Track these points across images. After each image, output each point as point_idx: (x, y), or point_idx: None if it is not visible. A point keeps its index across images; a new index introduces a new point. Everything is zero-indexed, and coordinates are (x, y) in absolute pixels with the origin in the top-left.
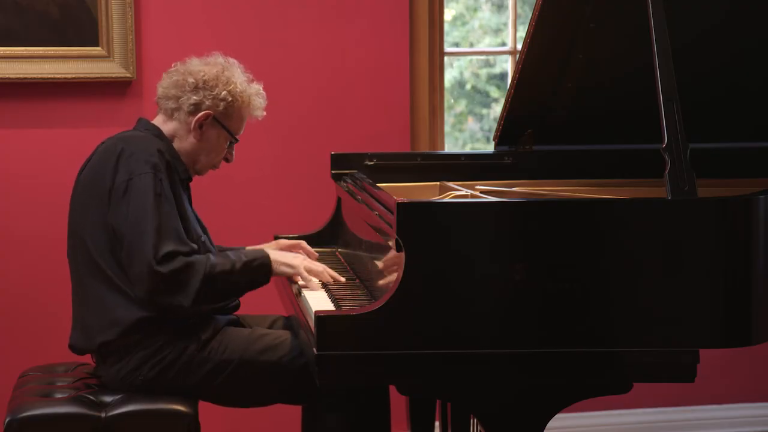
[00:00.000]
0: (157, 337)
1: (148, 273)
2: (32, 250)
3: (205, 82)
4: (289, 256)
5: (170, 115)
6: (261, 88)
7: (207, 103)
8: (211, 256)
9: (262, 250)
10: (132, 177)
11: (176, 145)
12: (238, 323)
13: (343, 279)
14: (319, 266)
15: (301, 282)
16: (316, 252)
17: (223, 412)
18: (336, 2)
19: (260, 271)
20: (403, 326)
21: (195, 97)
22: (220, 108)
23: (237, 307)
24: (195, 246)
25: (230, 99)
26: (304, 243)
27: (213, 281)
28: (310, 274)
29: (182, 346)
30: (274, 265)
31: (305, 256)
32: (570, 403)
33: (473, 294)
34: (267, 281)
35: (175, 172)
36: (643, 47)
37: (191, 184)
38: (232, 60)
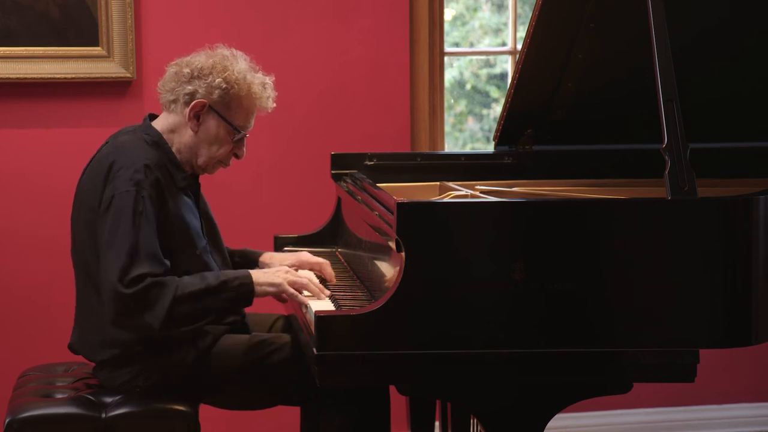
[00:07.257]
0: (155, 349)
1: (113, 294)
2: (32, 250)
3: (200, 70)
4: (270, 273)
5: (169, 108)
6: (268, 80)
7: (201, 91)
8: (185, 277)
9: (244, 270)
10: (114, 194)
11: (177, 139)
12: (237, 329)
13: (328, 292)
14: (303, 279)
15: (301, 296)
16: (316, 251)
17: (223, 412)
18: (336, 2)
19: (241, 290)
20: (403, 326)
21: (189, 87)
22: (215, 96)
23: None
24: (168, 264)
25: (225, 86)
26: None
27: (184, 302)
28: (294, 287)
29: (180, 356)
30: (257, 287)
31: (287, 269)
32: (570, 403)
33: (473, 294)
34: (250, 303)
35: (172, 183)
36: (643, 47)
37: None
38: (237, 52)
